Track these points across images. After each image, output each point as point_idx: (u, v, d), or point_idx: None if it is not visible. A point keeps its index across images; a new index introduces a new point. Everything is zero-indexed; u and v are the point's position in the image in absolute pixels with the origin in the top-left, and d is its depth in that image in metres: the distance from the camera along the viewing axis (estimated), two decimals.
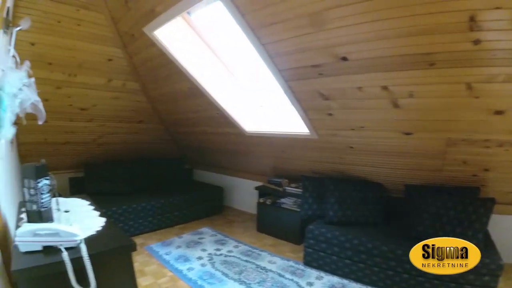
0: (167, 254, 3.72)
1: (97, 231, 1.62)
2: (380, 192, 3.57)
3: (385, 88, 2.53)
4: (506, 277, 3.38)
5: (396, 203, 3.61)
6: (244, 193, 5.41)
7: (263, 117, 4.19)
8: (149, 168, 5.43)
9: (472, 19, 1.85)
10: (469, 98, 2.38)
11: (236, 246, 3.98)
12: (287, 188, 4.40)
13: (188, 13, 3.26)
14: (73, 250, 1.33)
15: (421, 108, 2.60)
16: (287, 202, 4.28)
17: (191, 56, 3.67)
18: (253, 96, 4.23)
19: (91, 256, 1.30)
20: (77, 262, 1.27)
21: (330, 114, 3.09)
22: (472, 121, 2.60)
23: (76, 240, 1.36)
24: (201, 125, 4.98)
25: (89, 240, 1.43)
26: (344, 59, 2.47)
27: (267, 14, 2.42)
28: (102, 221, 1.78)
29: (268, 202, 4.44)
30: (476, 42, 1.98)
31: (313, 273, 3.31)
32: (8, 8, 2.06)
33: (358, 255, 3.12)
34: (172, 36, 3.46)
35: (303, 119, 3.33)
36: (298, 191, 4.19)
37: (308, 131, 3.50)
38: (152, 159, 5.69)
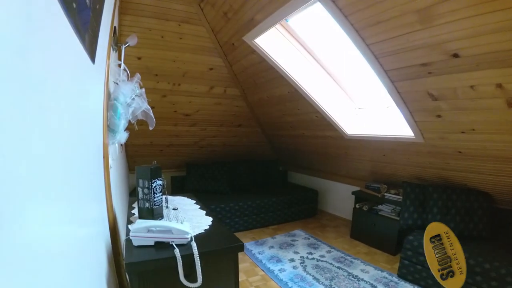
0: (260, 254, 3.77)
1: (205, 230, 1.67)
2: (487, 203, 3.15)
3: (499, 86, 2.20)
4: None
5: (506, 216, 3.15)
6: (339, 198, 5.25)
7: (364, 120, 4.00)
8: (246, 169, 5.57)
9: None
10: None
11: (328, 251, 3.87)
12: (385, 194, 4.12)
13: (286, 19, 3.25)
14: (183, 247, 1.38)
15: None
16: (385, 209, 4.01)
17: (291, 60, 3.68)
18: (354, 98, 4.08)
19: (200, 254, 1.34)
20: (186, 259, 1.32)
21: (439, 116, 2.79)
22: None
23: (187, 238, 1.42)
24: (300, 129, 4.94)
25: (198, 238, 1.49)
26: (456, 55, 2.21)
27: (372, 13, 2.29)
28: (209, 220, 1.85)
29: (365, 208, 4.21)
30: None
31: (407, 286, 3.07)
32: (115, 27, 2.25)
33: None
34: (271, 42, 3.50)
35: (408, 121, 3.07)
36: (398, 198, 3.92)
37: (413, 134, 3.22)
38: (249, 161, 5.85)
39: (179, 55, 3.93)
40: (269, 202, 4.79)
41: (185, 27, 3.65)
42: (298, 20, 3.34)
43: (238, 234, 4.39)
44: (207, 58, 4.12)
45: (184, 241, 1.41)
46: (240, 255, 3.66)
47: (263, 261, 3.56)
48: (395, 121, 3.41)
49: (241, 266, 3.42)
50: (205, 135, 5.29)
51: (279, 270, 3.34)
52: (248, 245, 4.02)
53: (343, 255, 3.77)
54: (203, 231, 1.64)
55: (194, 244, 1.37)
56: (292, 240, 4.20)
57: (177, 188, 5.09)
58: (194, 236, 1.47)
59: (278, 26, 3.40)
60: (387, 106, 3.51)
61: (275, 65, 3.65)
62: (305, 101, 4.00)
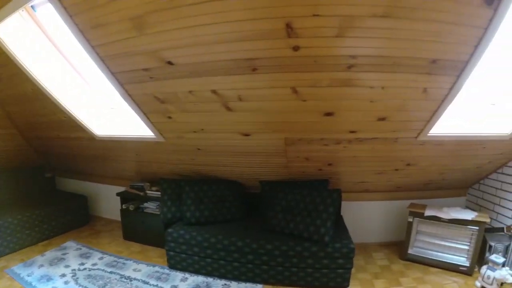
0: (29, 276, 3.34)
1: None
2: (237, 190, 3.61)
3: (214, 92, 2.48)
4: (367, 255, 3.73)
5: (255, 199, 3.69)
6: (110, 201, 4.96)
7: (115, 120, 3.90)
8: (5, 180, 4.74)
9: (288, 26, 1.85)
10: (298, 101, 2.44)
11: (101, 258, 3.73)
12: (148, 192, 4.20)
13: (33, 8, 2.88)
14: None
15: (253, 110, 2.61)
16: (151, 207, 4.09)
17: (34, 55, 3.26)
18: (105, 99, 3.88)
19: None
20: None
21: (170, 117, 2.97)
22: (305, 122, 2.69)
23: None
24: (53, 130, 4.47)
25: None
26: (170, 63, 2.35)
27: (94, 16, 2.21)
28: None
29: (131, 208, 4.20)
30: (296, 48, 1.99)
31: (178, 275, 3.27)
32: None
33: (217, 253, 3.15)
34: (13, 33, 3.03)
35: (145, 122, 3.16)
36: (159, 194, 3.99)
37: (153, 135, 3.34)
38: (8, 169, 4.97)
39: None
40: (33, 215, 4.19)
41: None
42: (49, 13, 2.92)
43: (4, 258, 3.74)
44: None
45: None
46: (8, 281, 3.24)
47: (33, 283, 3.17)
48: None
49: None
50: None
51: None
52: (16, 268, 3.49)
53: (115, 258, 3.70)
54: None
55: None
56: (63, 254, 3.85)
57: None
58: None
59: (25, 16, 2.97)
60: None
61: (13, 58, 3.18)
62: (49, 100, 3.63)
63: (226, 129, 2.88)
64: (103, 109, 3.93)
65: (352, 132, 2.77)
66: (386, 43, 1.96)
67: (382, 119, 2.62)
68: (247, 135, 2.88)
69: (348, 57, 2.05)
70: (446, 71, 2.19)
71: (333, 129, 2.75)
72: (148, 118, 3.07)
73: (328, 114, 2.54)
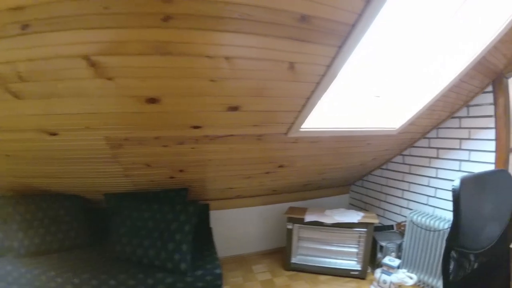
0: None
1: None
2: (76, 207, 2.64)
3: None
4: (246, 270, 3.06)
5: (103, 214, 2.69)
6: None
7: None
8: None
9: None
10: (101, 80, 1.42)
11: None
12: None
13: None
14: None
15: (46, 97, 1.57)
16: None
17: None
18: None
19: None
20: None
21: None
22: (123, 113, 1.70)
23: None
24: None
25: None
26: None
27: None
28: None
29: None
30: None
31: None
32: None
33: None
34: None
35: None
36: None
37: None
38: None
39: None
40: None
41: None
42: None
43: None
44: None
45: None
46: None
47: None
48: None
49: None
50: None
51: None
52: None
53: None
54: None
55: None
56: None
57: None
58: None
59: None
60: None
61: None
62: None
63: (24, 126, 1.84)
64: None
65: (195, 127, 1.91)
66: None
67: (233, 108, 1.78)
68: (54, 134, 1.87)
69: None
70: (323, 37, 1.36)
71: (166, 124, 1.85)
72: None
73: (151, 100, 1.61)
